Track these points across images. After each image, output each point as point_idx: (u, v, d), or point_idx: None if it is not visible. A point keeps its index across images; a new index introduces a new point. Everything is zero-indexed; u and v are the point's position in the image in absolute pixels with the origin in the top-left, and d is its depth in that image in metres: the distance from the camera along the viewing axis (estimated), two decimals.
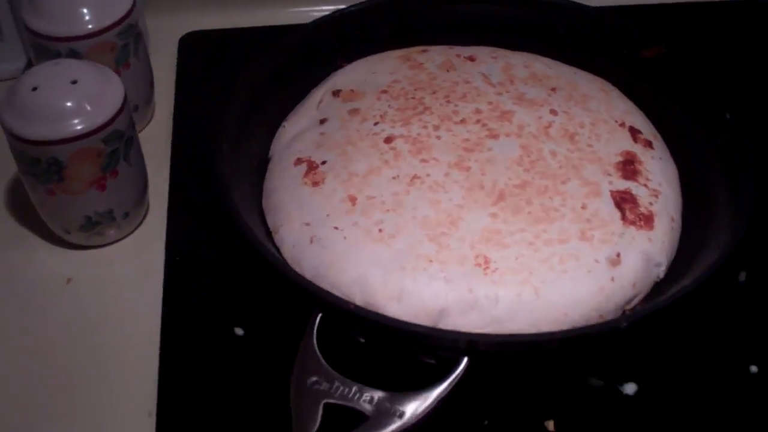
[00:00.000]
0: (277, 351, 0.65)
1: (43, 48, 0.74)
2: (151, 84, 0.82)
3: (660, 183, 0.70)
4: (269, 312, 0.69)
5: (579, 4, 0.80)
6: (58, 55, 0.73)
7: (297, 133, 0.74)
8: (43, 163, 0.67)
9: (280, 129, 0.75)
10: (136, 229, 0.76)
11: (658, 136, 0.75)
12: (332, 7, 0.83)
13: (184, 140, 0.82)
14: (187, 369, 0.67)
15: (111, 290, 0.72)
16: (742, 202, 0.66)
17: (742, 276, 0.72)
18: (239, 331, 0.68)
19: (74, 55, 0.73)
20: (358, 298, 0.62)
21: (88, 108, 0.66)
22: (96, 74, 0.68)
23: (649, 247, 0.66)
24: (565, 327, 0.62)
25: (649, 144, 0.73)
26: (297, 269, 0.65)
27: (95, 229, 0.72)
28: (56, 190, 0.69)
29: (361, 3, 0.80)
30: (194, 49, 0.90)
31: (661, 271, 0.67)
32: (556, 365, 0.66)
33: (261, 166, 0.73)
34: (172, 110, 0.84)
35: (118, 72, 0.74)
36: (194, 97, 0.86)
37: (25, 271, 0.73)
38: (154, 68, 0.83)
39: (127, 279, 0.73)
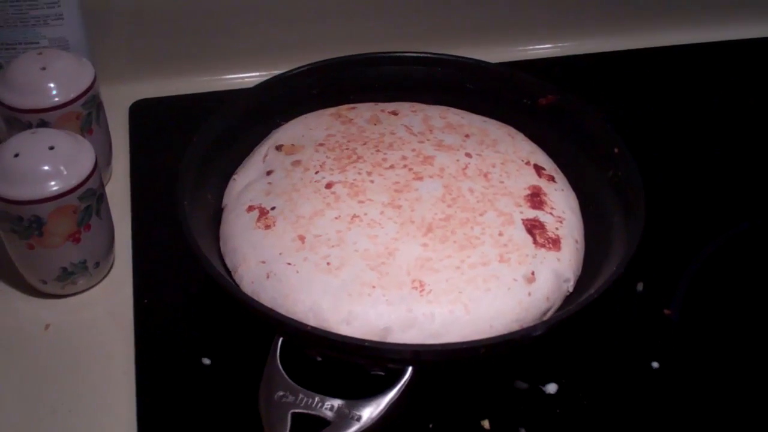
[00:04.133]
0: (241, 376, 0.73)
1: (15, 120, 0.81)
2: (110, 147, 0.91)
3: (563, 211, 0.81)
4: (231, 342, 0.77)
5: (483, 62, 0.91)
6: (29, 125, 0.81)
7: (247, 184, 0.83)
8: (25, 220, 0.74)
9: (231, 181, 0.84)
10: (104, 277, 0.83)
11: (559, 171, 0.85)
12: (265, 73, 0.93)
13: (142, 196, 0.90)
14: (162, 399, 0.74)
15: (87, 333, 0.79)
16: (633, 222, 0.76)
17: (640, 286, 0.83)
18: (206, 361, 0.76)
19: (44, 124, 0.81)
20: (312, 323, 0.70)
21: (64, 171, 0.75)
22: (70, 140, 0.76)
23: (559, 265, 0.76)
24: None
25: (551, 178, 0.84)
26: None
27: (70, 279, 0.79)
28: (36, 245, 0.76)
29: (294, 69, 0.89)
30: (144, 114, 0.99)
31: (570, 286, 0.76)
32: (487, 371, 0.75)
33: (216, 215, 0.81)
34: (128, 170, 0.93)
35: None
36: (147, 158, 0.94)
37: (5, 320, 0.80)
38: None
39: (100, 322, 0.80)
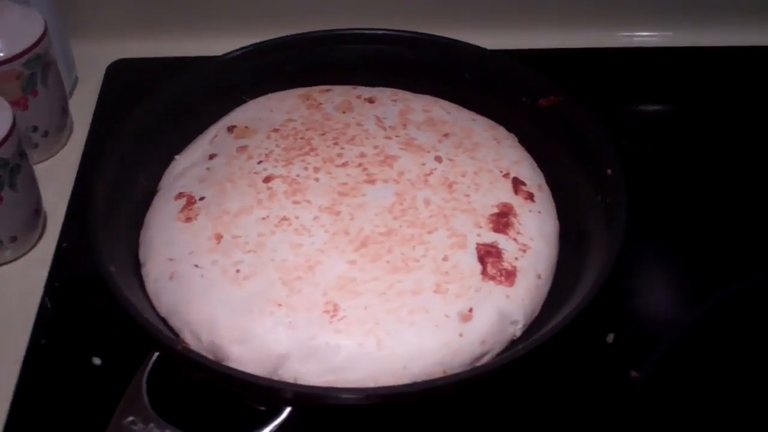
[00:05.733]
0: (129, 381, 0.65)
1: None
2: (64, 110, 0.84)
3: (532, 237, 0.69)
4: (126, 344, 0.66)
5: (483, 49, 0.80)
6: None
7: (186, 167, 0.75)
8: None
9: (173, 162, 0.76)
10: (28, 252, 0.77)
11: (544, 187, 0.73)
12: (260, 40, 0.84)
13: (90, 169, 0.81)
14: (40, 394, 0.68)
15: None
16: (605, 256, 0.64)
17: (610, 338, 0.69)
18: (97, 361, 0.69)
19: None
20: (205, 338, 0.63)
21: None
22: None
23: (506, 303, 0.65)
24: (404, 380, 0.61)
25: (530, 197, 0.71)
26: (156, 303, 0.66)
27: None
28: None
29: (271, 39, 0.80)
30: (122, 76, 0.92)
31: (518, 329, 0.65)
32: (390, 419, 0.65)
33: (148, 198, 0.73)
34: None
35: (24, 99, 0.77)
36: (112, 124, 0.84)
37: None
38: (80, 93, 0.84)
39: (6, 301, 0.74)
